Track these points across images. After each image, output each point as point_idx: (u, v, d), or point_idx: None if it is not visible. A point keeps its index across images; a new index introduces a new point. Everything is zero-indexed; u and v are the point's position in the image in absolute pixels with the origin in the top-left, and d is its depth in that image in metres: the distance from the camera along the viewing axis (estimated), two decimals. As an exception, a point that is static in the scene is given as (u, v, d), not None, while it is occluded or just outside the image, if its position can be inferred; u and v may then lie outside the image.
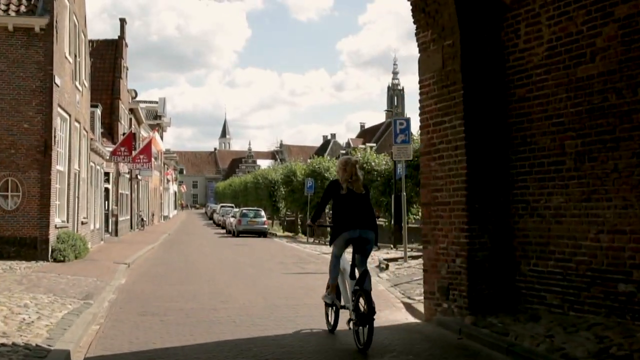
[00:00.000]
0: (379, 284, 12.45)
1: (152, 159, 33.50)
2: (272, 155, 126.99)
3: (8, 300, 8.69)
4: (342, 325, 7.06)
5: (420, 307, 8.86)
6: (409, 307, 9.21)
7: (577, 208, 6.68)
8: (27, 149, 15.46)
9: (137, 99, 44.21)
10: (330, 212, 7.36)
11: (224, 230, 41.74)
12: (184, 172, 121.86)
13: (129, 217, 35.96)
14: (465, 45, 7.50)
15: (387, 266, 14.69)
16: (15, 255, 15.06)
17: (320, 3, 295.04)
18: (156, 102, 58.16)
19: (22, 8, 15.57)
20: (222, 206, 56.81)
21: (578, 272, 6.65)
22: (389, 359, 6.12)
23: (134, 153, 29.61)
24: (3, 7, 15.55)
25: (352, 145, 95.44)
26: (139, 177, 39.32)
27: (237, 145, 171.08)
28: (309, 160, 48.18)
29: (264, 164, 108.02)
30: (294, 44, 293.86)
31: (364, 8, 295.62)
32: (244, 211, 36.97)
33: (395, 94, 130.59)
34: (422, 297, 9.72)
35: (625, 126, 6.16)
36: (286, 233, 42.19)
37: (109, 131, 31.54)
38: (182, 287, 11.83)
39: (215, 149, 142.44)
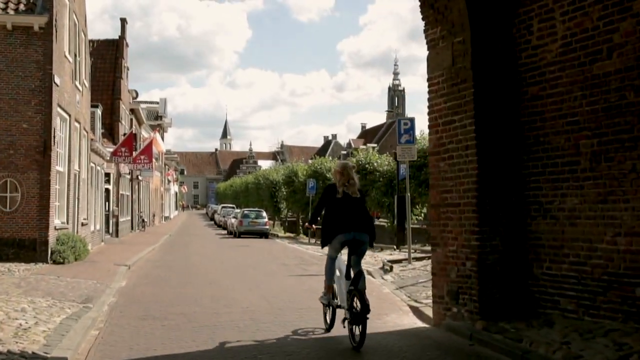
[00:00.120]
0: (384, 287, 12.23)
1: (153, 160, 33.29)
2: (273, 155, 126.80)
3: (5, 304, 8.47)
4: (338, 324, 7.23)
5: (428, 311, 8.64)
6: (416, 311, 8.99)
7: (592, 210, 6.45)
8: (26, 149, 15.24)
9: (138, 99, 44.01)
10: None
11: (225, 231, 41.52)
12: (185, 172, 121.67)
13: (129, 218, 35.75)
14: (476, 42, 7.28)
15: (392, 268, 14.47)
16: (14, 257, 14.83)
17: (321, 4, 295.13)
18: (157, 103, 57.94)
19: (21, 6, 15.36)
20: (223, 207, 56.58)
21: (594, 276, 6.43)
22: (399, 366, 5.89)
23: (134, 154, 29.42)
24: (2, 5, 15.34)
25: (353, 145, 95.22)
26: (140, 177, 39.12)
27: (238, 145, 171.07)
28: (310, 161, 48.01)
29: (264, 164, 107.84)
30: (294, 44, 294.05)
31: (365, 9, 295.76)
32: (246, 212, 36.75)
33: (396, 95, 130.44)
34: (429, 301, 9.51)
35: (643, 125, 5.94)
36: (287, 234, 41.97)
37: (110, 132, 31.34)
38: (184, 290, 11.60)
39: (216, 149, 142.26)
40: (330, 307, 7.39)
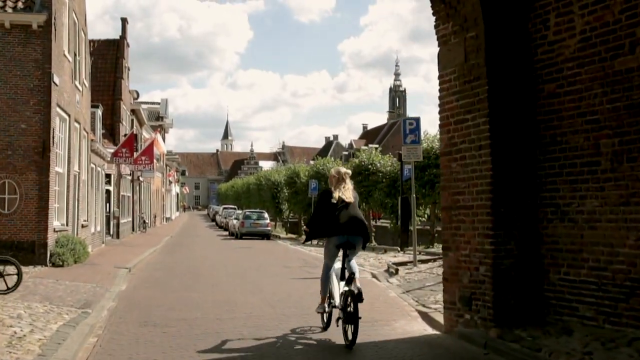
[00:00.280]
0: (390, 290, 11.93)
1: (154, 161, 33.03)
2: (275, 156, 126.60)
3: (1, 310, 8.18)
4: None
5: (438, 317, 8.35)
6: (426, 317, 8.69)
7: (613, 212, 6.15)
8: (25, 150, 14.96)
9: (139, 100, 43.77)
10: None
11: (227, 233, 41.26)
12: (186, 173, 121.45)
13: (130, 219, 35.50)
14: (489, 38, 6.98)
15: (397, 271, 14.16)
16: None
17: (322, 4, 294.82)
18: (158, 103, 57.70)
19: (20, 4, 15.09)
20: (224, 208, 56.32)
21: (615, 282, 6.12)
22: (412, 378, 5.60)
23: (135, 154, 29.17)
24: (0, 3, 15.07)
25: (354, 146, 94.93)
26: (141, 178, 38.87)
27: (239, 146, 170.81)
28: (311, 162, 47.68)
29: (266, 165, 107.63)
30: (295, 45, 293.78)
31: (366, 9, 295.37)
32: (247, 213, 36.48)
33: (397, 96, 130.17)
34: (438, 306, 9.22)
35: (669, 123, 5.64)
36: (289, 235, 41.69)
37: (110, 132, 31.09)
38: (185, 294, 11.31)
39: (217, 150, 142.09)
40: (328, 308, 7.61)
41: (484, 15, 6.98)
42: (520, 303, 6.90)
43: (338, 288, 7.33)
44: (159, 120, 53.79)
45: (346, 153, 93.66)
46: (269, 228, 35.56)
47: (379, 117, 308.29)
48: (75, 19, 18.57)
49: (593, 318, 6.33)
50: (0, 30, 14.84)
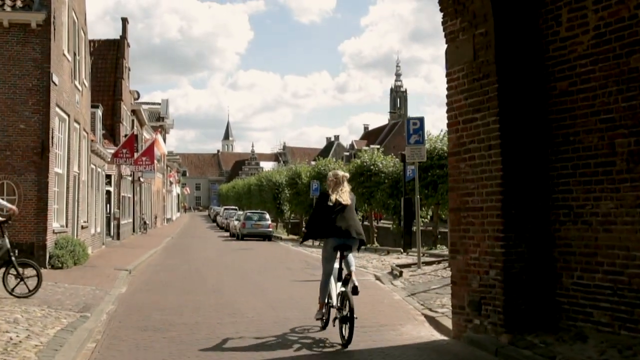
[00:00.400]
0: (394, 293, 11.73)
1: (155, 161, 32.83)
2: (276, 157, 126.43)
3: (-3, 314, 7.97)
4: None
5: (445, 321, 8.14)
6: (433, 321, 8.48)
7: (630, 215, 5.94)
8: (24, 150, 14.76)
9: (140, 100, 43.60)
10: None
11: (228, 234, 41.06)
12: (187, 174, 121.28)
13: (131, 220, 35.31)
14: (499, 34, 6.77)
15: (401, 273, 13.95)
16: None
17: (322, 5, 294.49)
18: (159, 104, 57.48)
19: (18, 3, 14.87)
20: (225, 209, 56.14)
21: (631, 287, 5.91)
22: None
23: (136, 155, 28.98)
24: (-2, 2, 14.87)
25: (356, 147, 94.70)
26: (142, 179, 38.68)
27: (240, 147, 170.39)
28: (313, 162, 47.47)
29: (267, 166, 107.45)
30: (296, 46, 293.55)
31: (366, 10, 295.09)
32: (248, 214, 36.28)
33: (398, 96, 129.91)
34: (445, 310, 9.01)
35: (688, 122, 5.43)
36: (291, 236, 41.49)
37: (111, 133, 30.90)
38: (186, 297, 11.11)
39: (218, 151, 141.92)
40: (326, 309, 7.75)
41: (493, 11, 6.78)
42: (532, 308, 6.70)
43: (335, 289, 7.48)
44: (159, 120, 53.59)
45: (347, 154, 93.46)
46: (271, 229, 35.37)
47: (379, 118, 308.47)
48: (75, 18, 18.37)
49: (608, 324, 6.12)
50: (-2, 29, 14.64)
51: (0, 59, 14.62)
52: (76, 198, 18.47)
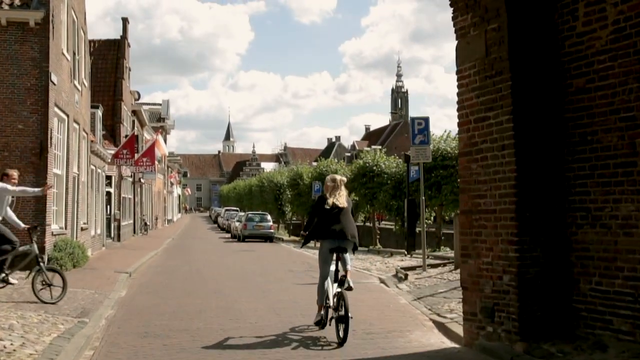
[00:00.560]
0: (400, 297, 11.46)
1: (156, 162, 32.58)
2: (276, 158, 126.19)
3: (-9, 320, 7.71)
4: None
5: (454, 327, 7.88)
6: (441, 327, 8.21)
7: (652, 218, 5.67)
8: (22, 151, 14.50)
9: (140, 101, 43.36)
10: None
11: (229, 235, 40.82)
12: (188, 175, 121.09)
13: (131, 221, 35.07)
14: (513, 29, 6.50)
15: (406, 276, 13.68)
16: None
17: (323, 6, 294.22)
18: (159, 105, 57.26)
19: (16, 1, 14.62)
20: (226, 210, 55.91)
21: (653, 293, 5.64)
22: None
23: (136, 156, 28.73)
24: (-4, 0, 14.63)
25: (357, 147, 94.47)
26: (142, 180, 38.44)
27: (241, 148, 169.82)
28: (314, 163, 47.20)
29: (268, 166, 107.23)
30: (296, 46, 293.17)
31: (367, 10, 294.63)
32: (250, 215, 36.04)
33: (399, 97, 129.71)
34: (454, 315, 8.75)
35: None
36: (292, 237, 41.20)
37: (111, 133, 30.66)
38: (187, 301, 10.85)
39: (219, 151, 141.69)
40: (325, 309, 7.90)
41: (506, 6, 6.51)
42: (548, 315, 6.42)
43: (332, 289, 7.70)
44: (160, 121, 53.35)
45: (349, 154, 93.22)
46: (272, 230, 35.13)
47: (380, 118, 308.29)
48: (75, 16, 18.12)
49: (629, 332, 5.84)
50: (-4, 28, 14.40)
51: (-2, 58, 14.38)
52: (76, 199, 18.22)
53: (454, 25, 7.27)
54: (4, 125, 14.42)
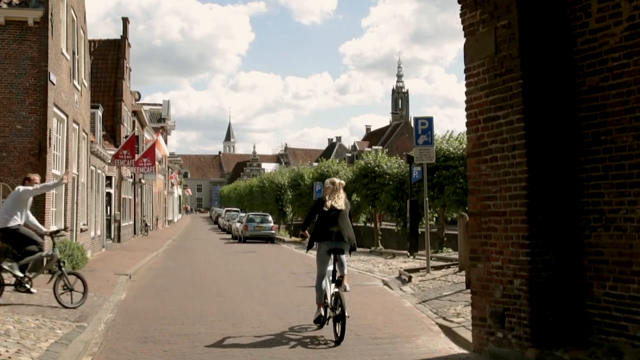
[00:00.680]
0: (404, 300, 11.27)
1: (156, 163, 32.39)
2: (277, 158, 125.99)
3: (-13, 325, 7.51)
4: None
5: (463, 332, 7.68)
6: (449, 332, 8.01)
7: (669, 220, 5.47)
8: (20, 151, 14.31)
9: (141, 101, 43.18)
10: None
11: (230, 236, 40.62)
12: (188, 175, 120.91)
13: (132, 222, 34.88)
14: (523, 26, 6.31)
15: (410, 278, 13.48)
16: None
17: (324, 6, 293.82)
18: (160, 105, 57.10)
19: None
20: (227, 210, 55.69)
21: (671, 299, 5.44)
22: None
23: (137, 156, 28.54)
24: (-6, -2, 14.44)
25: (358, 148, 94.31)
26: (143, 181, 38.26)
27: (242, 148, 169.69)
28: (315, 164, 46.98)
29: (268, 167, 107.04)
30: (297, 47, 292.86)
31: (367, 11, 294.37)
32: (251, 216, 35.84)
33: (399, 97, 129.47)
34: (460, 319, 8.57)
35: None
36: (293, 238, 41.00)
37: (111, 134, 30.47)
38: (188, 304, 10.66)
39: (219, 152, 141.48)
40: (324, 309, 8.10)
41: (517, 1, 6.31)
42: (560, 320, 6.23)
43: (330, 289, 7.94)
44: (160, 122, 53.19)
45: (349, 155, 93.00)
46: (273, 231, 34.92)
47: (381, 119, 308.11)
48: (74, 15, 17.93)
49: (645, 339, 5.64)
50: (-6, 27, 14.21)
51: (-4, 57, 14.19)
52: (75, 200, 18.03)
53: (462, 23, 7.08)
54: (2, 126, 14.24)
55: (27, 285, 9.81)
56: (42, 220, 14.23)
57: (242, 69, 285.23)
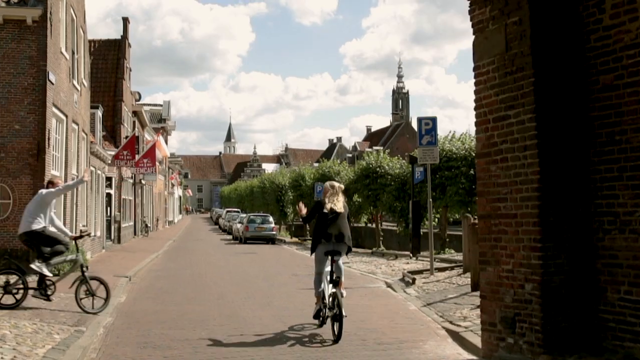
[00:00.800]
0: (409, 303, 11.08)
1: (157, 163, 32.22)
2: (278, 159, 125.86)
3: (-17, 330, 7.33)
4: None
5: (471, 337, 7.50)
6: (456, 337, 7.83)
7: (687, 223, 5.28)
8: (19, 152, 14.16)
9: (141, 102, 43.02)
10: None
11: (230, 236, 40.44)
12: (189, 176, 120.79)
13: (132, 223, 34.72)
14: (535, 23, 6.11)
15: (414, 280, 13.30)
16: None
17: (324, 7, 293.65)
18: (160, 105, 56.97)
19: (13, -2, 14.29)
20: (227, 211, 55.50)
21: (689, 304, 5.25)
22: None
23: (137, 157, 28.37)
24: (-8, -3, 14.27)
25: (359, 148, 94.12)
26: (143, 181, 38.08)
27: (242, 149, 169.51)
28: (315, 164, 46.81)
29: (269, 167, 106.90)
30: (297, 48, 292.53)
31: (368, 12, 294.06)
32: (252, 217, 35.67)
33: (400, 98, 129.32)
34: (467, 323, 8.39)
35: None
36: (294, 239, 40.82)
37: (111, 134, 30.30)
38: (189, 307, 10.47)
39: (220, 153, 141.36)
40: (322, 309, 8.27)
41: (529, -3, 6.12)
42: (573, 326, 6.03)
43: (327, 290, 8.12)
44: (161, 122, 53.05)
45: (350, 155, 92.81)
46: (274, 232, 34.74)
47: (381, 120, 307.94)
48: (74, 15, 17.76)
49: (662, 345, 5.45)
50: (-8, 26, 14.04)
51: (-5, 56, 14.02)
52: (75, 201, 17.85)
53: (471, 20, 6.89)
54: (0, 126, 14.06)
55: (49, 292, 9.72)
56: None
57: (243, 69, 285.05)
